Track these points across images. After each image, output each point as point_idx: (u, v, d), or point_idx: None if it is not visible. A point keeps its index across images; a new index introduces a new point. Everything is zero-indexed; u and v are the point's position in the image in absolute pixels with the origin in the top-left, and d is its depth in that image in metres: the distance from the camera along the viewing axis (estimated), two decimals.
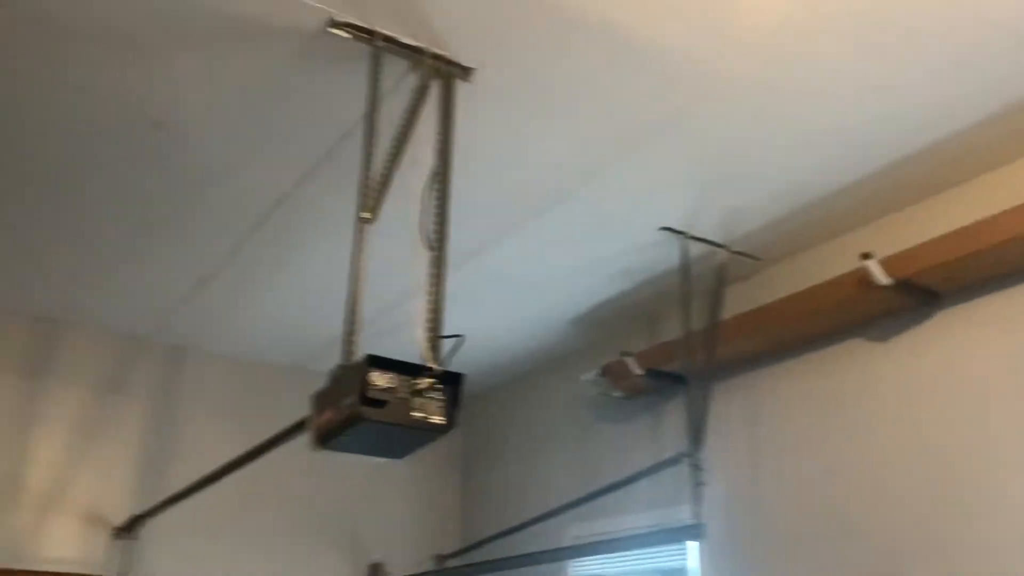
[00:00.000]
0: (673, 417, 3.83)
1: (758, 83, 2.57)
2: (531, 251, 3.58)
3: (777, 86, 2.58)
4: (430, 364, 2.02)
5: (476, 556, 4.59)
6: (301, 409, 2.30)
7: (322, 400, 2.08)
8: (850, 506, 3.06)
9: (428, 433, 2.00)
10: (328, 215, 3.29)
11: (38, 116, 2.75)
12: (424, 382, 1.98)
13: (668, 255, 3.53)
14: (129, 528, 4.05)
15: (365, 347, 2.43)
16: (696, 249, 3.48)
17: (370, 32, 2.37)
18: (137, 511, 4.00)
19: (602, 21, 2.33)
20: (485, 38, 2.42)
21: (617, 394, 4.00)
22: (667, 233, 3.39)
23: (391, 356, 1.99)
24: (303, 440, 2.17)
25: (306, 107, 2.69)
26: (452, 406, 2.03)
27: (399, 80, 2.50)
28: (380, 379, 1.93)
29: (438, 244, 2.28)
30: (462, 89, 2.54)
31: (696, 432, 3.15)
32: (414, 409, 1.97)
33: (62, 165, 3.01)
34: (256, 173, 3.04)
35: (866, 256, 2.87)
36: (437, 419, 1.99)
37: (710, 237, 3.43)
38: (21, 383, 4.15)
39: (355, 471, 4.86)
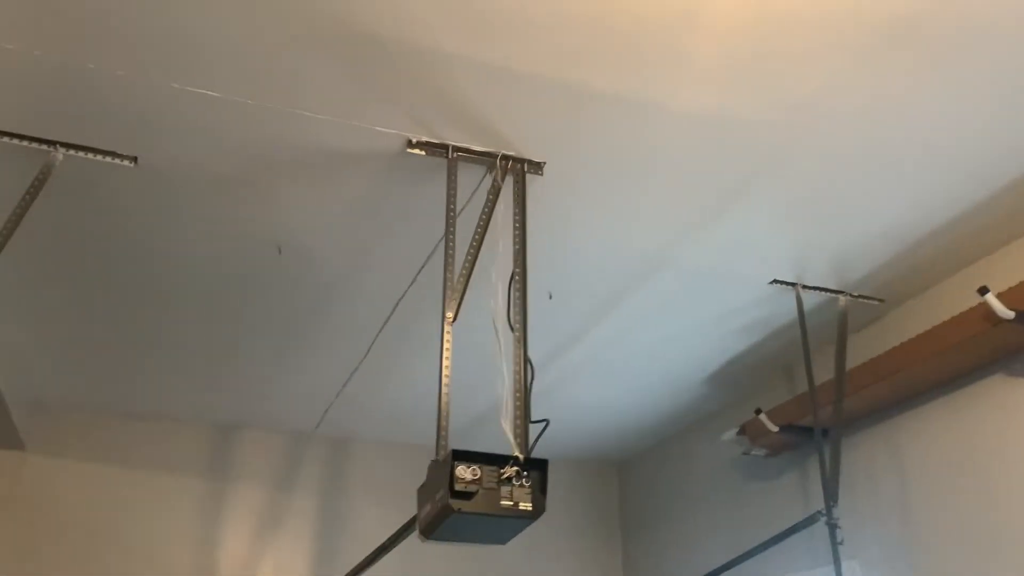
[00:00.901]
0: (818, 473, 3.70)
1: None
2: (644, 318, 3.62)
3: (862, 123, 2.54)
4: (516, 453, 2.12)
5: None
6: None
7: (422, 494, 2.22)
8: (1015, 538, 2.84)
9: (521, 520, 2.09)
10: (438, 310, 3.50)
11: (186, 255, 3.14)
12: (509, 471, 2.08)
13: (787, 307, 3.48)
14: None
15: (482, 438, 2.58)
16: (813, 298, 3.41)
17: (443, 146, 2.56)
18: None
19: (662, 99, 2.42)
20: (551, 133, 2.56)
21: (758, 452, 3.91)
22: (779, 286, 3.35)
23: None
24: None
25: (403, 216, 2.92)
26: (540, 491, 2.11)
27: (478, 182, 2.68)
28: (466, 472, 2.05)
29: (521, 331, 2.38)
30: (539, 182, 2.68)
31: (830, 489, 3.05)
32: (503, 498, 2.07)
33: (213, 293, 3.39)
34: (372, 277, 3.29)
35: (983, 291, 2.73)
36: (525, 506, 2.08)
37: (824, 284, 3.35)
38: (206, 485, 4.58)
39: (514, 547, 4.96)
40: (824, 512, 3.02)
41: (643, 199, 2.87)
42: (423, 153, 2.57)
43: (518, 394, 2.31)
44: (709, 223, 2.99)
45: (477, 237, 2.51)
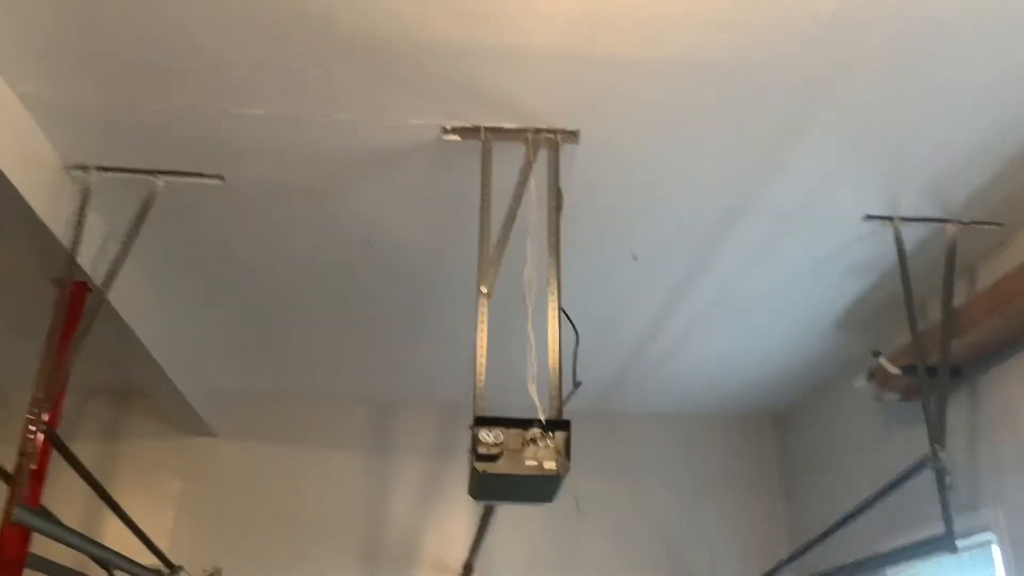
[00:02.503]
0: (954, 415, 3.46)
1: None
2: (744, 268, 3.54)
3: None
4: (540, 416, 2.22)
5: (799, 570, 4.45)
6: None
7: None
8: None
9: (550, 479, 2.19)
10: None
11: (289, 256, 3.48)
12: (533, 433, 2.19)
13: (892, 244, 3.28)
14: (466, 574, 4.63)
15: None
16: (919, 231, 3.19)
17: (476, 129, 2.68)
18: (468, 559, 4.58)
19: (685, 54, 2.40)
20: (581, 102, 2.60)
21: (891, 397, 3.71)
22: (876, 221, 3.16)
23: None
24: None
25: (464, 197, 3.05)
26: (565, 451, 2.20)
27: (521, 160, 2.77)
28: (488, 436, 2.18)
29: (556, 294, 2.46)
30: (583, 151, 2.74)
31: (935, 432, 2.86)
32: (527, 459, 2.18)
33: (324, 286, 3.72)
34: (456, 254, 3.44)
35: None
36: (549, 465, 2.18)
37: (926, 214, 3.13)
38: (370, 458, 5.00)
39: (676, 504, 5.03)
40: (931, 458, 2.84)
41: (698, 153, 2.83)
42: (458, 138, 2.69)
43: (552, 356, 2.39)
44: (775, 165, 2.89)
45: (511, 211, 2.60)
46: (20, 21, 2.30)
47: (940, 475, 2.80)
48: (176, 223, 3.23)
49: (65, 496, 3.63)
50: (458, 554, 4.77)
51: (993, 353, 3.24)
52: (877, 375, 3.66)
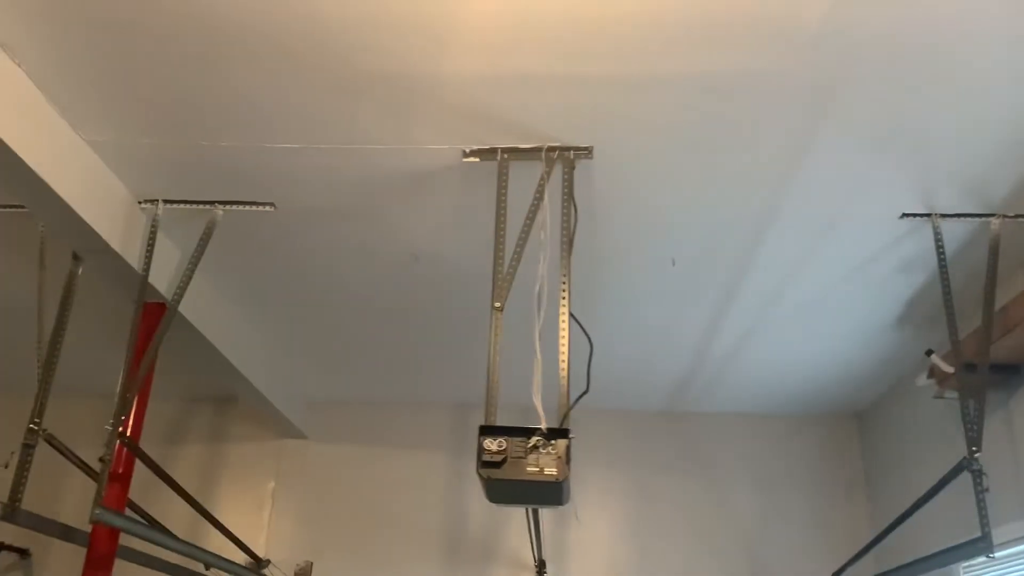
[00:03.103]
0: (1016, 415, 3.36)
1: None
2: (790, 273, 3.54)
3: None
4: (542, 424, 2.34)
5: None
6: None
7: None
8: None
9: (551, 483, 2.31)
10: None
11: (345, 274, 3.71)
12: (535, 440, 2.32)
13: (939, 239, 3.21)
14: (540, 571, 4.78)
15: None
16: (964, 227, 3.12)
17: (493, 151, 2.82)
18: (537, 556, 4.73)
19: (681, 69, 2.48)
20: (592, 122, 2.71)
21: (950, 395, 3.62)
22: (913, 219, 3.11)
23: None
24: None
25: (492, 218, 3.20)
26: (565, 457, 2.31)
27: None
28: (492, 444, 2.32)
29: (567, 307, 2.58)
30: (599, 166, 2.85)
31: (973, 434, 2.81)
32: (529, 465, 2.31)
33: (382, 300, 3.95)
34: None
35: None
36: (550, 471, 2.30)
37: (966, 210, 3.05)
38: (450, 459, 5.22)
39: (752, 502, 5.02)
40: (968, 459, 2.78)
41: (715, 163, 2.88)
42: (478, 160, 2.85)
43: (562, 365, 2.51)
44: (796, 172, 2.91)
45: (525, 228, 2.73)
46: (83, 77, 2.60)
47: (976, 477, 2.74)
48: (246, 249, 3.53)
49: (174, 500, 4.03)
50: (530, 553, 4.92)
51: None
52: (935, 373, 3.58)
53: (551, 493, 2.39)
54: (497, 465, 2.31)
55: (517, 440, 2.33)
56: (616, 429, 5.22)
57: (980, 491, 2.71)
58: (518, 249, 2.72)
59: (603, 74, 2.49)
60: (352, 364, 4.77)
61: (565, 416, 2.42)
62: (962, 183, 2.94)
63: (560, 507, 2.53)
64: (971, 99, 2.56)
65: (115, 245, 3.10)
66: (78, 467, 3.46)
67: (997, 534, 3.28)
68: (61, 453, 3.29)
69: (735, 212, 3.15)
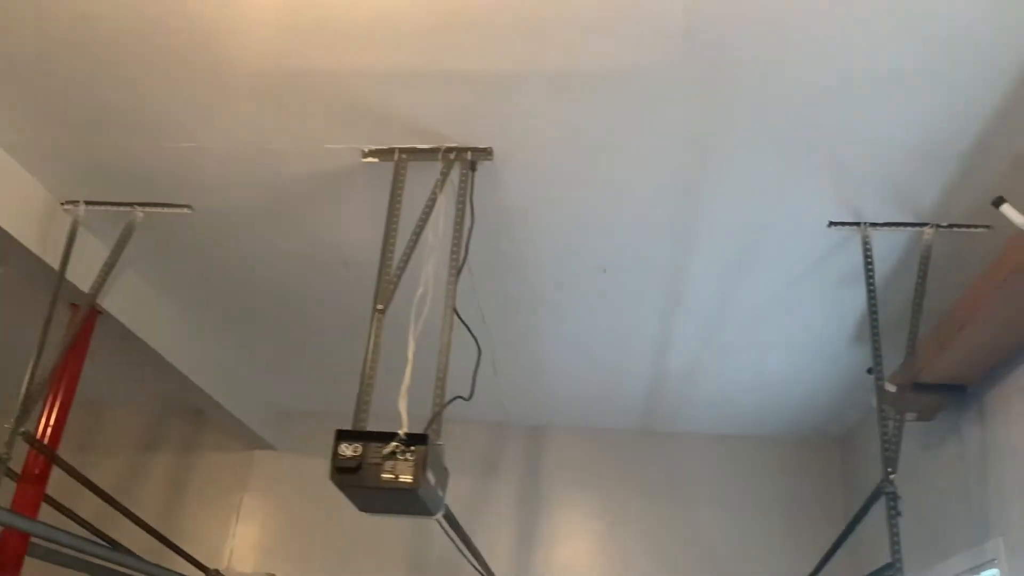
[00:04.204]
0: (969, 437, 3.16)
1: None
2: (730, 282, 3.41)
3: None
4: (401, 429, 2.25)
5: None
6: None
7: None
8: None
9: (407, 491, 2.22)
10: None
11: (272, 277, 3.68)
12: (391, 446, 2.23)
13: (878, 250, 3.04)
14: None
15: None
16: (900, 238, 2.96)
17: (391, 150, 2.76)
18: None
19: (587, 67, 2.40)
20: (489, 122, 2.64)
21: (909, 417, 3.42)
22: (842, 228, 2.96)
23: None
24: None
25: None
26: (422, 466, 2.22)
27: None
28: (347, 449, 2.24)
29: (450, 314, 2.49)
30: (503, 168, 2.77)
31: (890, 454, 2.63)
32: (385, 472, 2.22)
33: (315, 307, 3.90)
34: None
35: (999, 202, 2.22)
36: (406, 478, 2.21)
37: (897, 218, 2.89)
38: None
39: (725, 525, 4.83)
40: (884, 481, 2.61)
41: (624, 166, 2.79)
42: (377, 160, 2.79)
43: (440, 374, 2.42)
44: (707, 176, 2.79)
45: (416, 231, 2.66)
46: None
47: (891, 500, 2.57)
48: (185, 255, 3.53)
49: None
50: (500, 571, 4.80)
51: (994, 366, 2.94)
52: (885, 395, 3.39)
53: (412, 502, 2.30)
54: (351, 471, 2.23)
55: (374, 446, 2.25)
56: (588, 447, 5.09)
57: (893, 516, 2.54)
58: (407, 252, 2.64)
59: (483, 70, 2.42)
60: (313, 373, 4.73)
61: (432, 420, 2.32)
62: (889, 190, 2.79)
63: (431, 518, 2.43)
64: (880, 99, 2.42)
65: (33, 248, 3.12)
66: None
67: (951, 564, 3.09)
68: None
69: (654, 217, 3.03)
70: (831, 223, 2.94)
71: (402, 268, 2.62)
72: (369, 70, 2.46)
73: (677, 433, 5.04)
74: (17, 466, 3.16)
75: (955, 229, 2.88)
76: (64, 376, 3.43)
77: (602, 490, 5.01)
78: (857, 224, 2.92)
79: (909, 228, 2.91)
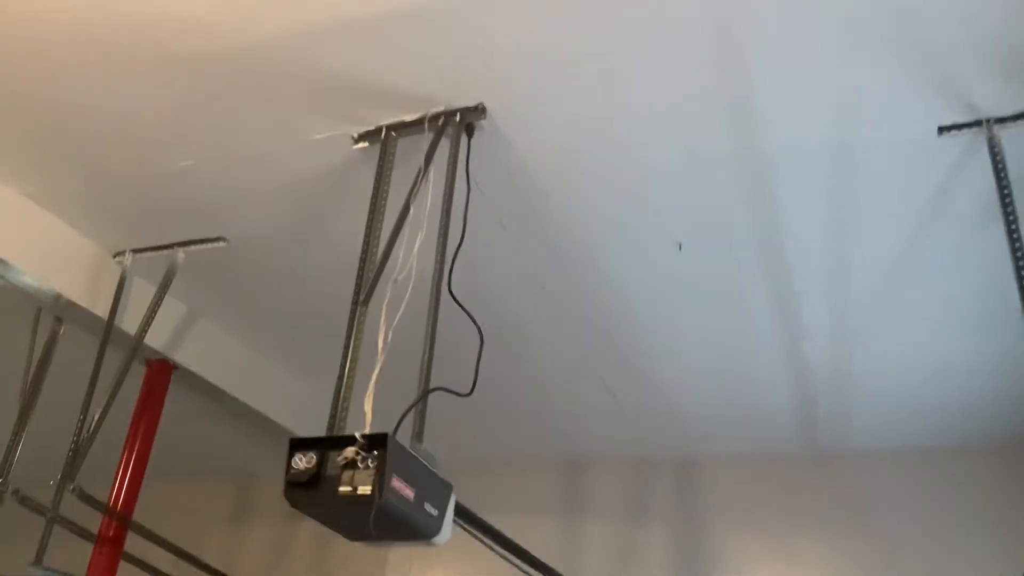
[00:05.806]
0: None
1: None
2: (832, 230, 2.73)
3: None
4: (359, 432, 1.85)
5: None
6: None
7: None
8: None
9: (367, 504, 1.79)
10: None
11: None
12: (349, 452, 1.83)
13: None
14: None
15: None
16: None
17: (378, 130, 2.44)
18: None
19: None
20: (482, 78, 2.28)
21: None
22: (956, 133, 2.25)
23: None
24: None
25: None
26: (381, 473, 1.79)
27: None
28: (301, 461, 1.86)
29: (433, 307, 2.10)
30: (502, 128, 2.37)
31: None
32: (342, 484, 1.82)
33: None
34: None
35: None
36: (364, 489, 1.79)
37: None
38: (560, 520, 4.62)
39: (930, 557, 3.93)
40: None
41: (647, 97, 2.30)
42: (367, 144, 2.48)
43: (424, 364, 2.02)
44: (755, 93, 2.23)
45: (404, 210, 2.29)
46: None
47: None
48: (248, 294, 3.38)
49: None
50: None
51: None
52: None
53: (393, 523, 1.84)
54: (305, 486, 1.84)
55: (333, 454, 1.85)
56: (747, 478, 4.36)
57: None
58: (391, 239, 2.27)
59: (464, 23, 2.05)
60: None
61: (403, 418, 1.90)
62: (1012, 63, 2.07)
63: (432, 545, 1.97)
64: None
65: (83, 302, 3.08)
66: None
67: None
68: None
69: (712, 164, 2.47)
70: (941, 129, 2.24)
71: (386, 257, 2.25)
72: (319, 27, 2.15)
73: (850, 452, 4.20)
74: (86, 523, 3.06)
75: None
76: (138, 434, 3.32)
77: (771, 527, 4.25)
78: (978, 124, 2.20)
79: None
